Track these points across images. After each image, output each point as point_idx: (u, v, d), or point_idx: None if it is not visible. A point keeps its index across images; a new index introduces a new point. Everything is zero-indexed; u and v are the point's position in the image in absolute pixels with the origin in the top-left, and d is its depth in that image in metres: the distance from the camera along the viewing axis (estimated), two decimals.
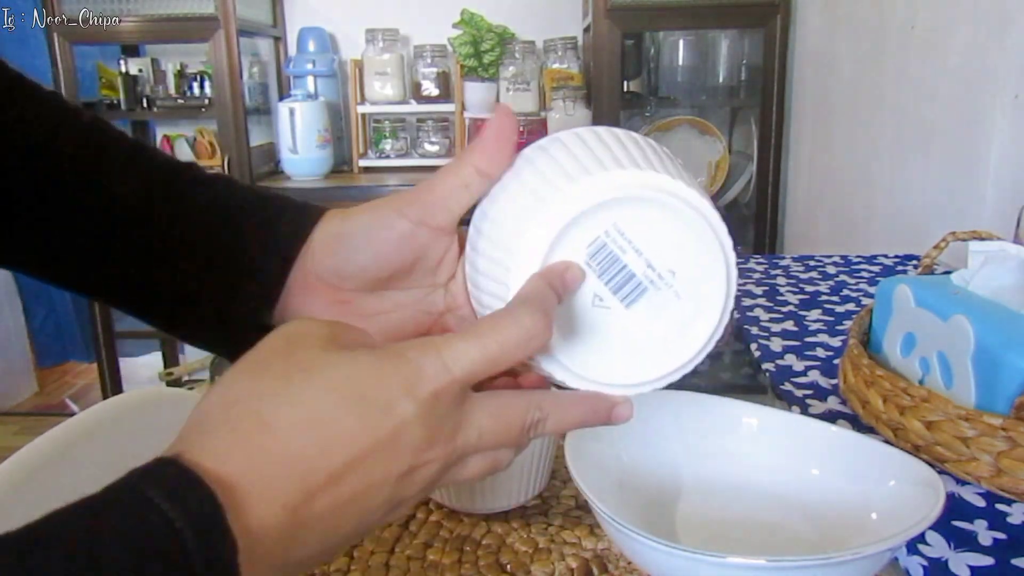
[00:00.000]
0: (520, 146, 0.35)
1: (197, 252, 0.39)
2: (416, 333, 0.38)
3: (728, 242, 0.34)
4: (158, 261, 0.39)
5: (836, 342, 0.85)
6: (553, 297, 0.31)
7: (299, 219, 0.38)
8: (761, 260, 1.22)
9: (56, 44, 2.25)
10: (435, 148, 2.51)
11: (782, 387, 0.74)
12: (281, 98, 2.54)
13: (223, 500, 0.25)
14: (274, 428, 0.27)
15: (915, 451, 0.57)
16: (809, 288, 1.07)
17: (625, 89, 2.31)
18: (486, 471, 0.32)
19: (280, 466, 0.27)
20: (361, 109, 2.47)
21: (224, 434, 0.27)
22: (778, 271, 1.15)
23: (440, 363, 0.29)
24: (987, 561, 0.47)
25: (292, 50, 2.58)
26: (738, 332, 0.92)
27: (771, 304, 0.99)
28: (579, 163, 0.33)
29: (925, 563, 0.47)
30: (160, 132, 2.71)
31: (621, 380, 0.35)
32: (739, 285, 1.07)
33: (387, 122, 2.52)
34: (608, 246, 0.33)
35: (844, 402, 0.69)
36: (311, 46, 2.53)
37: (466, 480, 0.32)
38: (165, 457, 0.26)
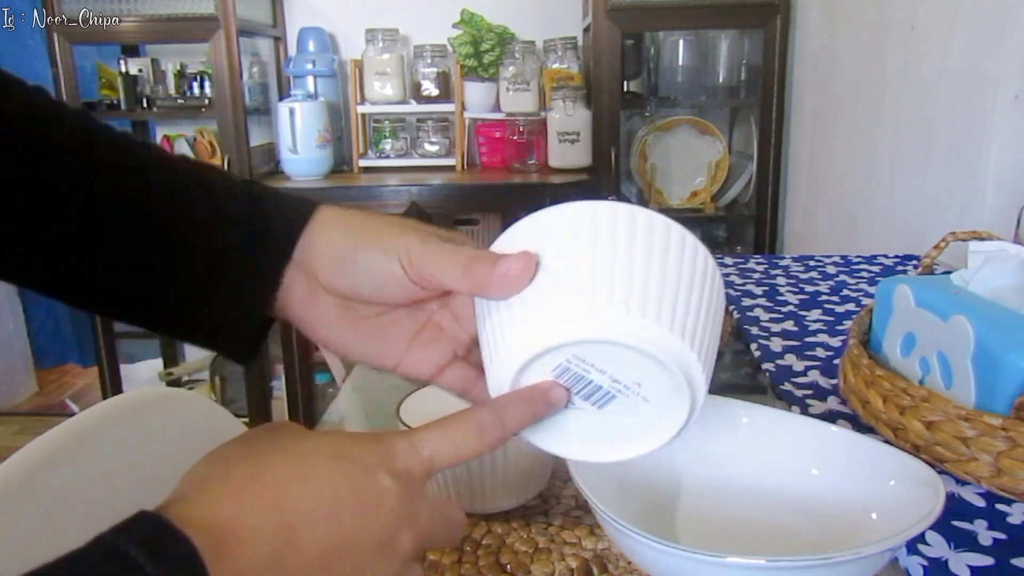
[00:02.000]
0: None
1: (187, 252, 0.39)
2: (411, 333, 0.41)
3: (686, 358, 0.33)
4: (148, 261, 0.39)
5: (836, 342, 0.85)
6: (518, 408, 0.34)
7: (290, 221, 0.39)
8: (761, 260, 1.22)
9: (56, 44, 2.25)
10: (435, 148, 2.51)
11: (782, 387, 0.74)
12: (281, 98, 2.53)
13: (206, 550, 0.25)
14: (266, 478, 0.29)
15: (915, 451, 0.57)
16: (809, 288, 1.07)
17: (625, 89, 2.31)
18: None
19: (270, 514, 0.28)
20: (361, 109, 2.47)
21: (216, 484, 0.28)
22: (778, 271, 1.15)
23: (409, 444, 0.32)
24: (987, 561, 0.47)
25: (292, 50, 2.58)
26: (738, 332, 0.92)
27: (771, 304, 0.99)
28: (561, 293, 0.33)
29: (925, 563, 0.47)
30: (160, 132, 2.71)
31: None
32: (739, 285, 1.07)
33: (387, 122, 2.52)
34: (571, 369, 0.35)
35: (844, 402, 0.69)
36: (311, 46, 2.52)
37: None
38: (144, 512, 0.26)
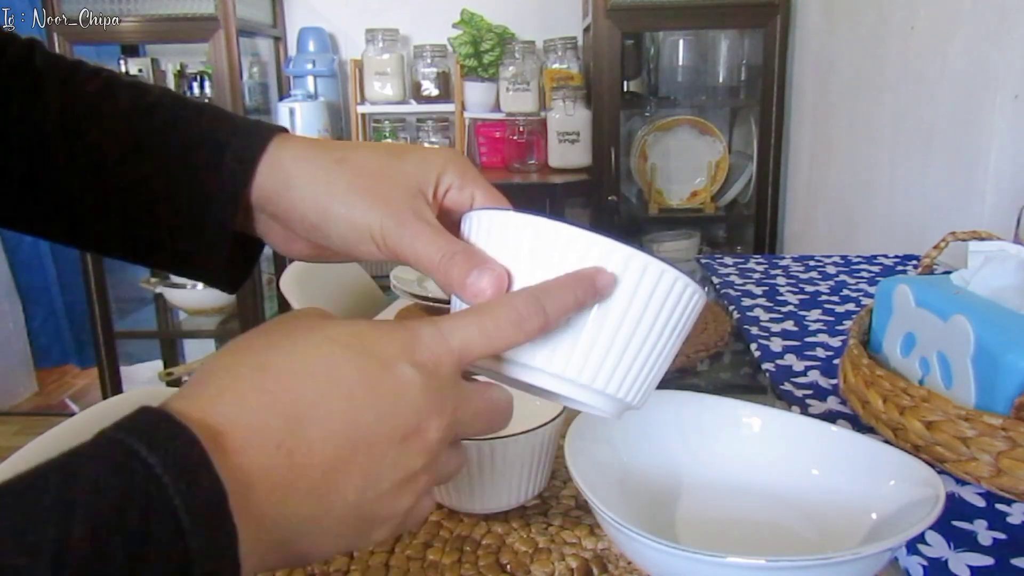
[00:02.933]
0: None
1: (139, 188, 0.40)
2: None
3: (615, 407, 0.36)
4: (98, 187, 0.40)
5: (836, 342, 0.85)
6: (561, 294, 0.32)
7: (243, 153, 0.39)
8: (761, 260, 1.22)
9: (56, 44, 2.25)
10: None
11: (782, 387, 0.74)
12: (281, 98, 2.54)
13: (209, 445, 0.24)
14: (272, 371, 0.27)
15: (915, 451, 0.57)
16: (809, 288, 1.07)
17: (625, 89, 2.31)
18: (458, 467, 0.33)
19: (275, 406, 0.26)
20: (361, 109, 2.47)
21: (221, 379, 0.27)
22: (778, 271, 1.15)
23: (437, 332, 0.30)
24: (987, 561, 0.47)
25: (292, 50, 2.58)
26: (738, 332, 0.92)
27: (771, 304, 0.99)
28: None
29: (925, 563, 0.47)
30: None
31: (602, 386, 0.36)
32: (739, 285, 1.07)
33: (387, 122, 2.52)
34: None
35: (844, 402, 0.69)
36: (311, 46, 2.53)
37: (446, 475, 0.32)
38: (147, 406, 0.25)
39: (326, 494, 0.27)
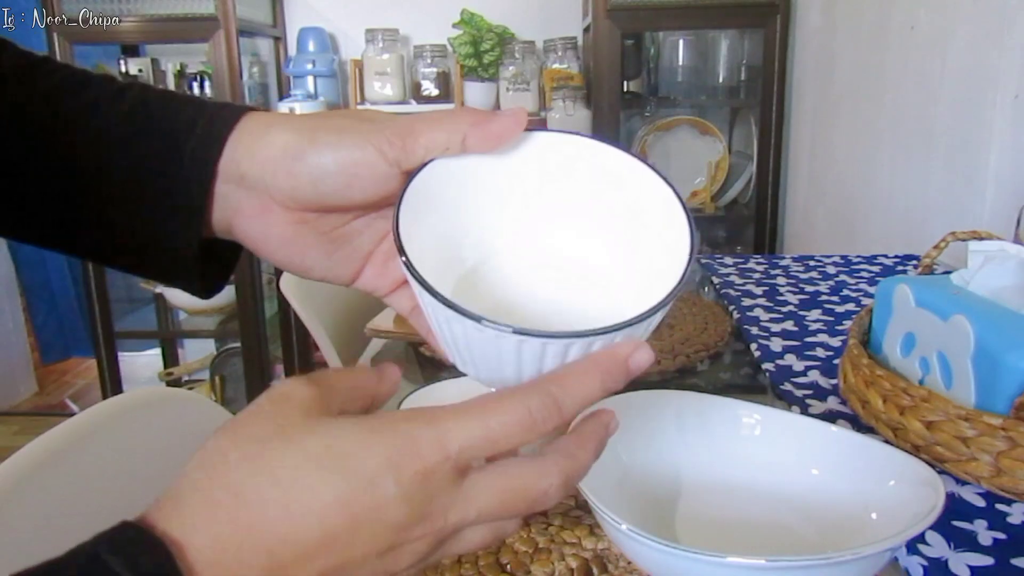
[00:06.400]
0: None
1: (105, 175, 0.37)
2: (370, 247, 0.39)
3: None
4: (64, 188, 0.37)
5: (836, 342, 0.85)
6: (584, 385, 0.29)
7: (212, 127, 0.36)
8: (761, 260, 1.22)
9: (56, 44, 2.25)
10: None
11: (782, 387, 0.74)
12: (281, 98, 2.53)
13: (184, 569, 0.24)
14: (245, 499, 0.26)
15: (915, 451, 0.57)
16: (809, 288, 1.07)
17: (625, 89, 2.31)
18: (488, 543, 0.30)
19: (249, 539, 0.26)
20: (361, 109, 2.47)
21: (197, 502, 0.26)
22: (778, 271, 1.15)
23: (435, 438, 0.27)
24: (987, 561, 0.47)
25: (292, 50, 2.58)
26: (738, 332, 0.92)
27: (771, 304, 0.99)
28: None
29: (925, 563, 0.47)
30: None
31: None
32: (739, 285, 1.07)
33: None
34: None
35: (844, 402, 0.69)
36: (311, 46, 2.53)
37: (464, 552, 0.30)
38: (128, 521, 0.25)
39: None
